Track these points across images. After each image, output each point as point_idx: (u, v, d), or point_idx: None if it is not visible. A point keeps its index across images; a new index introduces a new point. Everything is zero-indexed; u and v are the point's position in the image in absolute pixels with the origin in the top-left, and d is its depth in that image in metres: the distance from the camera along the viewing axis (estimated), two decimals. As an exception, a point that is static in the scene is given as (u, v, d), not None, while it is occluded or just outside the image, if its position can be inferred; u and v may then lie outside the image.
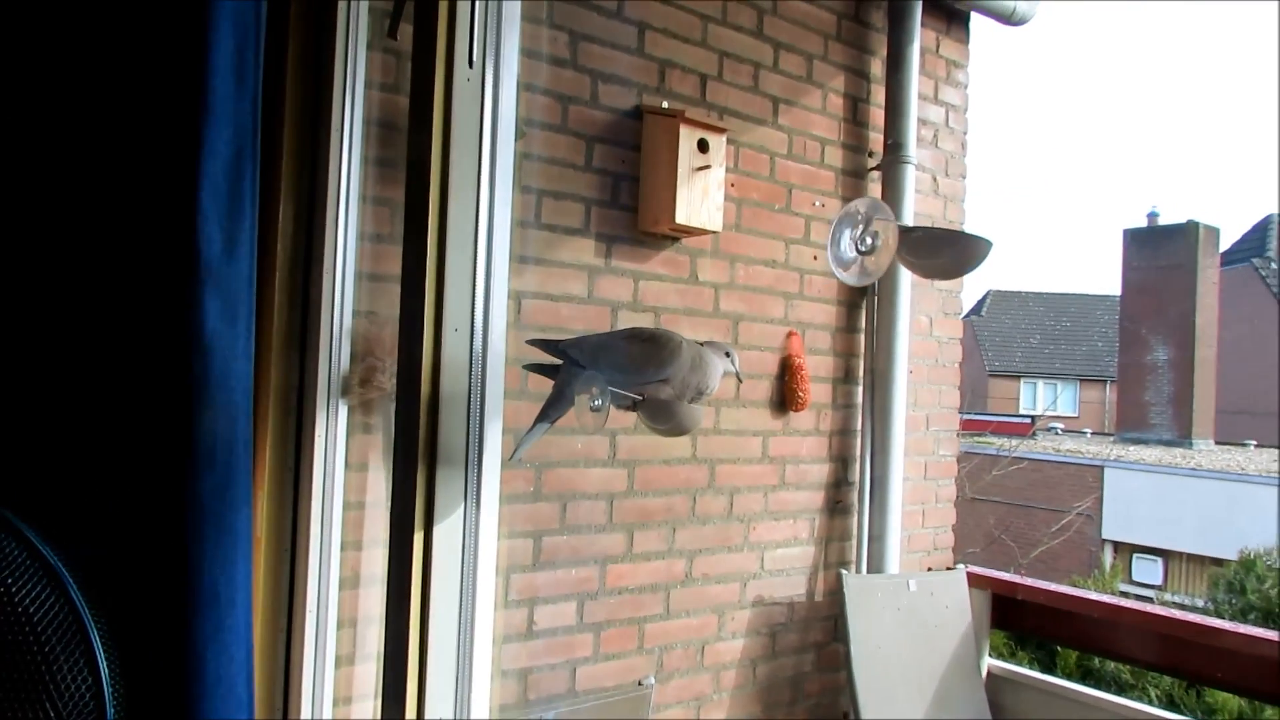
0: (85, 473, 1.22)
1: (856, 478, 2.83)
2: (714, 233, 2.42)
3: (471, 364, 1.24)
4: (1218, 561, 10.72)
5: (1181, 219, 16.60)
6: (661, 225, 2.32)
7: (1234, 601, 7.82)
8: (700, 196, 2.32)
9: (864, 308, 2.83)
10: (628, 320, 2.36)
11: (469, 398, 1.24)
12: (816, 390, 2.72)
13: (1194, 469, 13.44)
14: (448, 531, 1.25)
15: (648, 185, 2.35)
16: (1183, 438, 16.41)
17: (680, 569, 2.47)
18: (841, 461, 2.82)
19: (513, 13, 1.26)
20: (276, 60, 1.74)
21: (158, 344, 1.10)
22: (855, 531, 2.82)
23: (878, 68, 2.89)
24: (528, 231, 2.22)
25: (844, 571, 2.66)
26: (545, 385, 2.21)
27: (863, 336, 2.84)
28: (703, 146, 2.32)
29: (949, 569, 3.00)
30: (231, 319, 1.12)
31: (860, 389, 2.84)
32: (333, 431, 1.80)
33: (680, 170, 2.28)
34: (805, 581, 2.75)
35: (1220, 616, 7.41)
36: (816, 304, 2.75)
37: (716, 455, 2.54)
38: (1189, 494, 12.98)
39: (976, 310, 26.32)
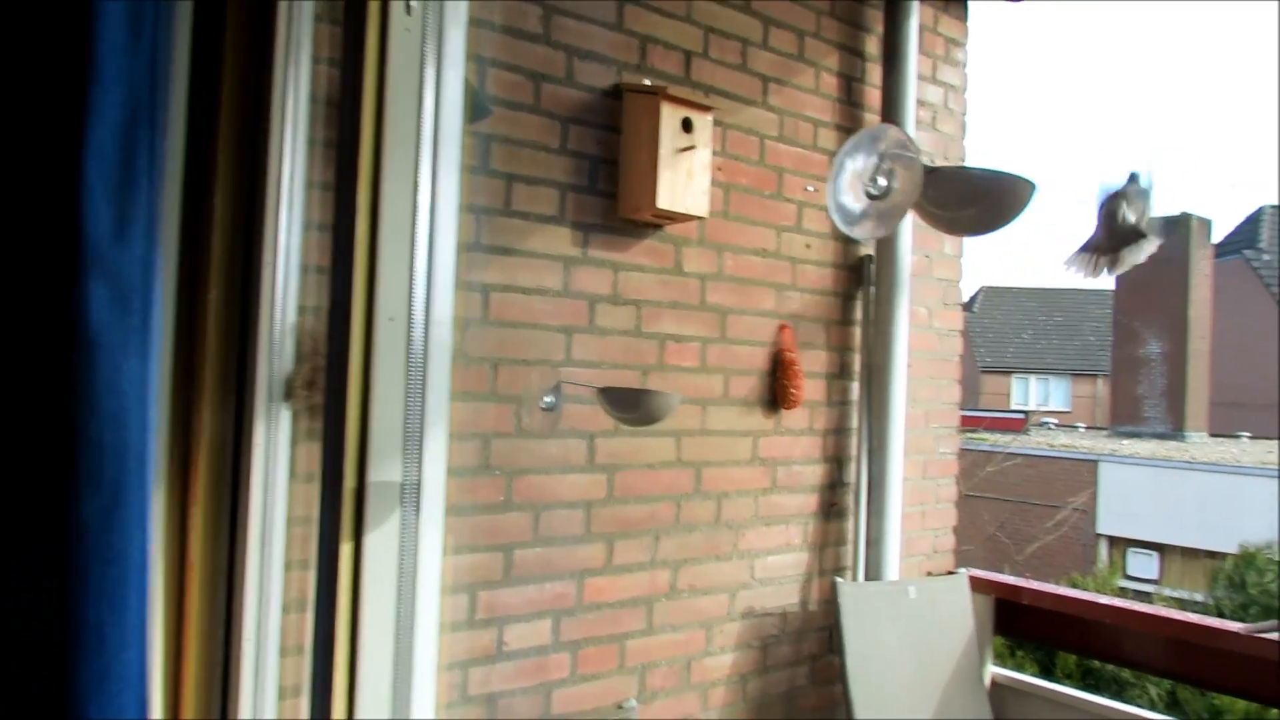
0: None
1: (853, 479, 2.67)
2: (700, 219, 2.25)
3: (410, 358, 1.08)
4: (1214, 555, 10.61)
5: (1175, 211, 16.50)
6: (643, 212, 2.16)
7: (1234, 597, 7.70)
8: (684, 180, 2.15)
9: (860, 299, 2.67)
10: (605, 315, 2.19)
11: (406, 395, 1.08)
12: (810, 387, 2.56)
13: (1189, 462, 13.34)
14: (381, 542, 1.08)
15: (628, 169, 2.18)
16: (1176, 430, 16.33)
17: (664, 581, 2.31)
18: (836, 462, 2.66)
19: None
20: (213, 28, 1.57)
21: (32, 339, 0.93)
22: (851, 536, 2.66)
23: (873, 45, 2.72)
24: (497, 220, 2.05)
25: (838, 579, 2.50)
26: (514, 386, 2.05)
27: (859, 329, 2.68)
28: (687, 126, 2.16)
29: (950, 573, 2.84)
30: (123, 310, 0.95)
31: (856, 385, 2.68)
32: (274, 439, 1.62)
33: (662, 151, 2.12)
34: (799, 590, 2.59)
35: (1221, 612, 7.29)
36: (810, 295, 2.59)
37: (703, 458, 2.38)
38: (1184, 487, 12.88)
39: (969, 306, 26.24)
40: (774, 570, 2.54)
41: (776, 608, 2.53)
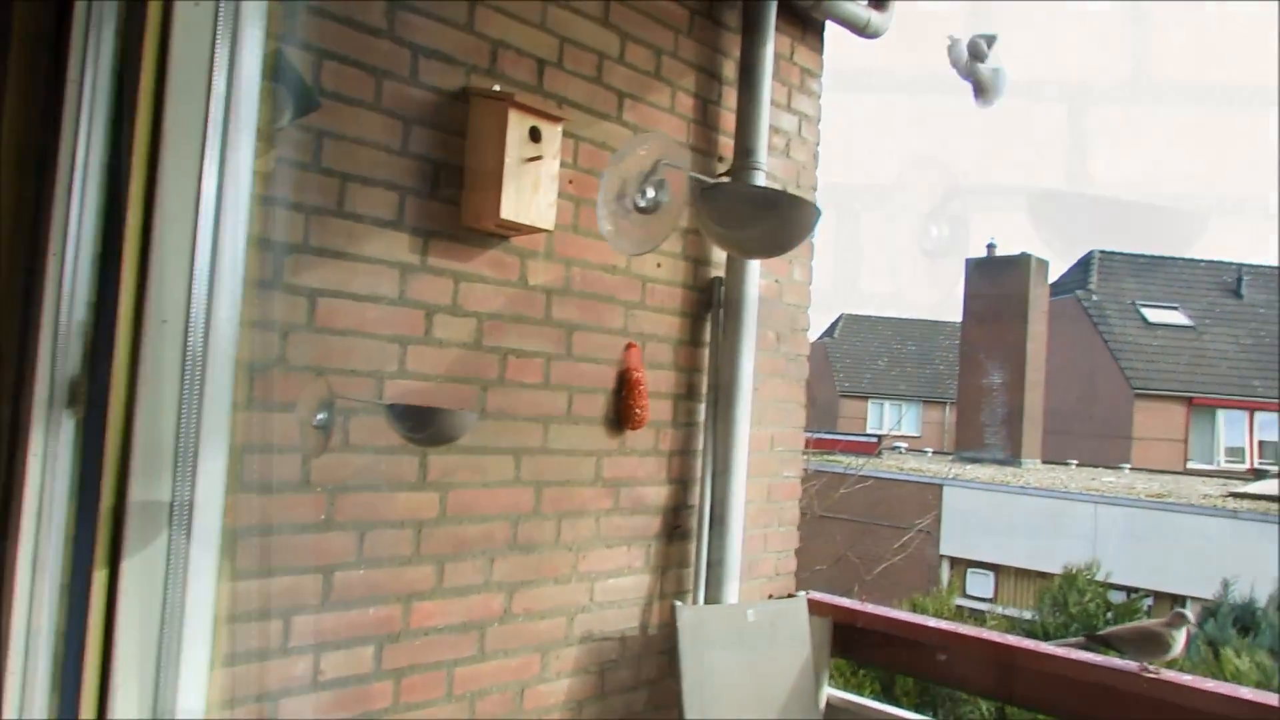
0: None
1: (696, 501, 2.66)
2: (546, 232, 2.19)
3: (186, 365, 0.97)
4: (1043, 575, 11.27)
5: (1016, 250, 17.58)
6: (485, 221, 2.08)
7: (1057, 615, 8.17)
8: (530, 190, 2.09)
9: (709, 320, 2.67)
10: (444, 326, 2.10)
11: (180, 405, 0.96)
12: (656, 407, 2.53)
13: (1022, 487, 14.17)
14: (142, 569, 0.97)
15: (472, 176, 2.10)
16: (1013, 457, 17.32)
17: (498, 604, 2.22)
18: (681, 484, 2.64)
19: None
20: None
21: None
22: (694, 558, 2.65)
23: (730, 69, 2.74)
24: (329, 221, 1.93)
25: (678, 603, 2.47)
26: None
27: (707, 350, 2.68)
28: (535, 135, 2.10)
29: (790, 596, 2.87)
30: None
31: (703, 406, 2.67)
32: (54, 450, 1.46)
33: (508, 160, 2.05)
34: (639, 614, 2.55)
35: (1045, 630, 7.72)
36: (659, 315, 2.56)
37: (544, 477, 2.31)
38: (1018, 510, 13.67)
39: (830, 333, 27.18)
40: (614, 593, 2.48)
41: (616, 631, 2.48)
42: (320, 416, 1.16)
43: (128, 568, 0.94)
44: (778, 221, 1.44)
